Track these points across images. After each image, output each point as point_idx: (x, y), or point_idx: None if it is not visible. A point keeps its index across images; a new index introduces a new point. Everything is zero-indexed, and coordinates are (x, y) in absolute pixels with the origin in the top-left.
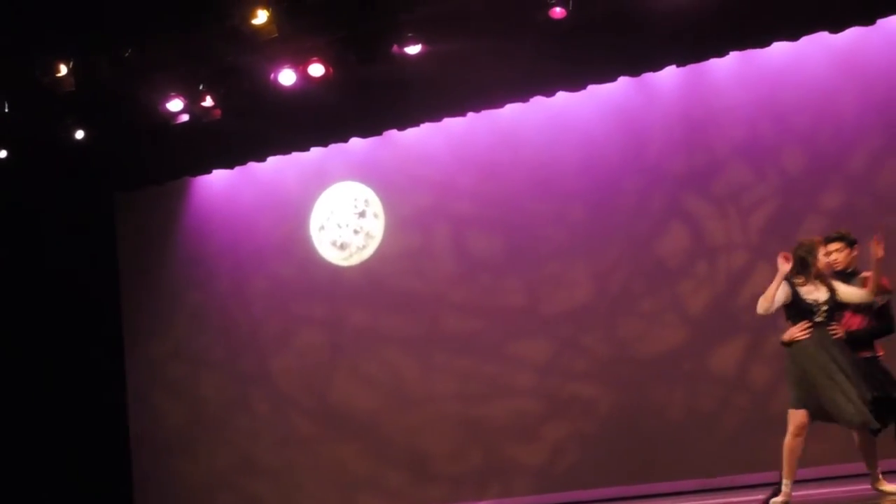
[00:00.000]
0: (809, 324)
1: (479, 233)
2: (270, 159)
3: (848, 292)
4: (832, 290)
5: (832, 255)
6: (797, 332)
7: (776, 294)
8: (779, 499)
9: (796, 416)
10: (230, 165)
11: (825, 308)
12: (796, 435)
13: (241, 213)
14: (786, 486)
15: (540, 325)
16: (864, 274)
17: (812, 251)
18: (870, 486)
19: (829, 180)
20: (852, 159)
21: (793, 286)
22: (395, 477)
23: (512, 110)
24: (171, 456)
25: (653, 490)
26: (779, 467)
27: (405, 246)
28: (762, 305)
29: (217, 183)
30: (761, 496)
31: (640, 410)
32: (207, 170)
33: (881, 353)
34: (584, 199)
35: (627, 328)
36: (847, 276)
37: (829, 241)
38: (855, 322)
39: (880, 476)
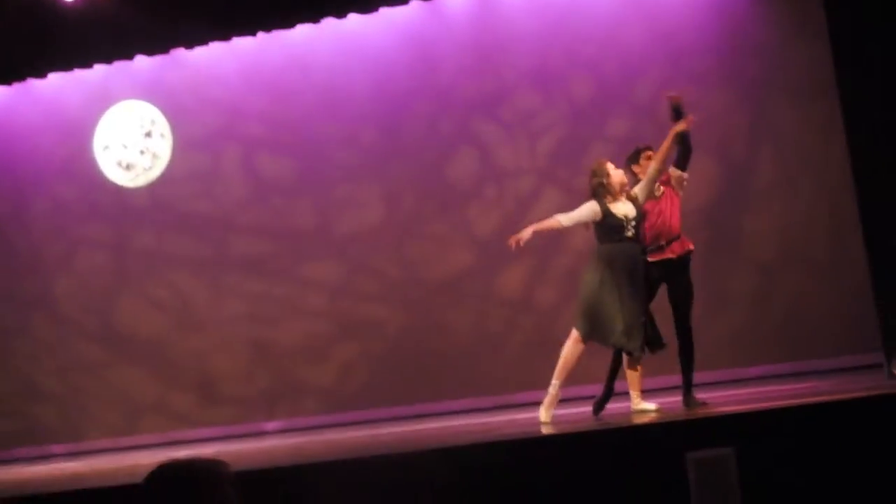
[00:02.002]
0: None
1: (269, 155)
2: (51, 76)
3: (638, 189)
4: (635, 200)
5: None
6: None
7: (581, 214)
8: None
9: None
10: (7, 81)
11: (633, 223)
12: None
13: (20, 133)
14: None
15: (330, 248)
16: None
17: (603, 172)
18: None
19: (614, 108)
20: (637, 89)
21: (603, 204)
22: (182, 400)
23: (303, 32)
24: None
25: (440, 409)
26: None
27: (194, 167)
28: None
29: None
30: None
31: (429, 331)
32: None
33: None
34: (376, 122)
35: (417, 250)
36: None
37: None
38: (675, 222)
39: (637, 397)
